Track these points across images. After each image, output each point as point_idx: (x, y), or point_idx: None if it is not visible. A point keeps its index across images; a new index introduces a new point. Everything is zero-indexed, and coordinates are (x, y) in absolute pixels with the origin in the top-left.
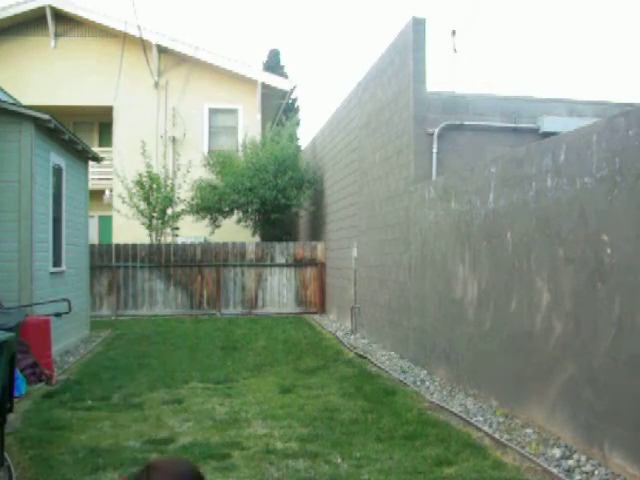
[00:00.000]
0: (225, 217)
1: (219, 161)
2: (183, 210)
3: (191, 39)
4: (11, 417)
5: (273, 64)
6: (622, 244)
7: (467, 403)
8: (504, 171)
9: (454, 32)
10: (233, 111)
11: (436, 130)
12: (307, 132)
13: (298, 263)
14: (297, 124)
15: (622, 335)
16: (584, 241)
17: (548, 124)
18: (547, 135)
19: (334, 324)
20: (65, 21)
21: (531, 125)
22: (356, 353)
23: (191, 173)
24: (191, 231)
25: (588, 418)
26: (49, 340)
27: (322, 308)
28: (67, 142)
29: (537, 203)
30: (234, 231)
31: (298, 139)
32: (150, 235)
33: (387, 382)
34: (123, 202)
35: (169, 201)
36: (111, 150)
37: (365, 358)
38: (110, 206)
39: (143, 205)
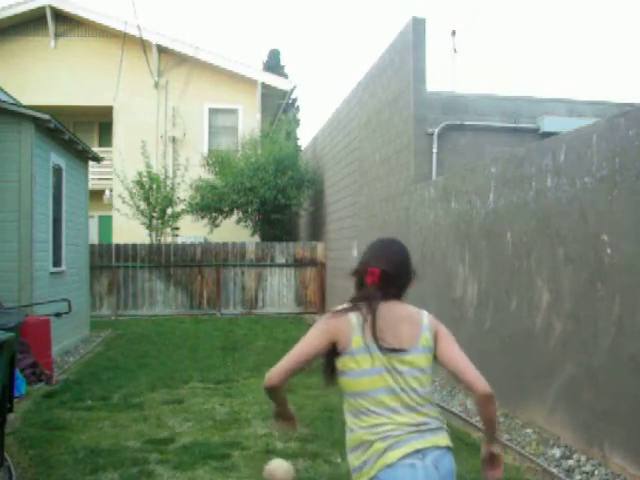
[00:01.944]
0: (225, 217)
1: (218, 161)
2: (183, 210)
3: (191, 39)
4: (11, 417)
5: (273, 64)
6: (622, 244)
7: (467, 403)
8: (504, 171)
9: (454, 32)
10: (233, 111)
11: (436, 130)
12: (307, 132)
13: (298, 263)
14: (296, 122)
15: (622, 335)
16: (584, 241)
17: (548, 124)
18: (547, 135)
19: None
20: (65, 21)
21: (531, 125)
22: None
23: (191, 173)
24: (191, 231)
25: (588, 418)
26: (49, 340)
27: (322, 308)
28: (67, 142)
29: (537, 203)
30: (234, 231)
31: (298, 139)
32: (150, 235)
33: None
34: (123, 202)
35: (169, 201)
36: (111, 150)
37: None
38: (110, 206)
39: (143, 205)
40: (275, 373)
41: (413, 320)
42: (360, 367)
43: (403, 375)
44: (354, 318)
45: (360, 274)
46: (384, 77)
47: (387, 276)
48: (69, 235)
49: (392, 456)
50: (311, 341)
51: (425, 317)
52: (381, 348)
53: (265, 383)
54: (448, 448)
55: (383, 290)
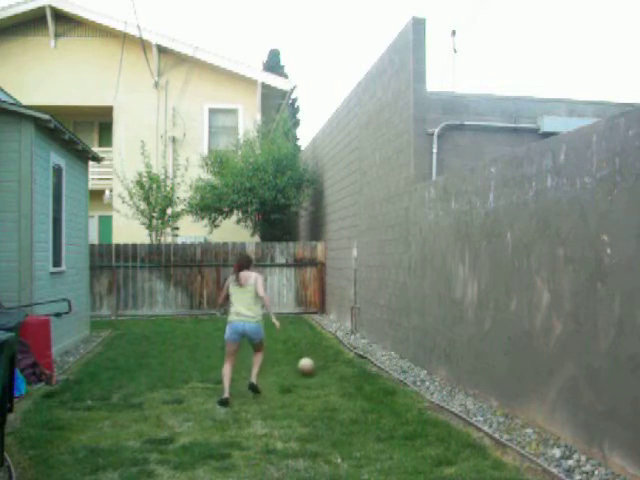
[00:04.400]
0: (225, 217)
1: (217, 161)
2: (183, 210)
3: (191, 39)
4: (11, 417)
5: (273, 64)
6: (622, 244)
7: (467, 403)
8: (504, 171)
9: (454, 32)
10: (233, 111)
11: (436, 130)
12: (307, 132)
13: (298, 263)
14: (292, 122)
15: (622, 335)
16: (584, 241)
17: (548, 124)
18: (547, 135)
19: (334, 324)
20: (65, 21)
21: (531, 125)
22: (356, 353)
23: (191, 173)
24: (191, 231)
25: (588, 418)
26: (49, 340)
27: (322, 308)
28: (67, 142)
29: (537, 203)
30: (234, 231)
31: (298, 139)
32: (150, 235)
33: (387, 382)
34: (123, 202)
35: (169, 201)
36: (111, 150)
37: (365, 358)
38: (110, 206)
39: (143, 205)
40: (221, 299)
41: (250, 277)
42: (232, 291)
43: (242, 295)
44: (233, 276)
45: (238, 262)
46: (384, 77)
47: (240, 265)
48: (69, 235)
49: (234, 319)
50: (226, 287)
51: (254, 276)
52: (237, 285)
53: (219, 302)
54: (257, 322)
55: (240, 269)
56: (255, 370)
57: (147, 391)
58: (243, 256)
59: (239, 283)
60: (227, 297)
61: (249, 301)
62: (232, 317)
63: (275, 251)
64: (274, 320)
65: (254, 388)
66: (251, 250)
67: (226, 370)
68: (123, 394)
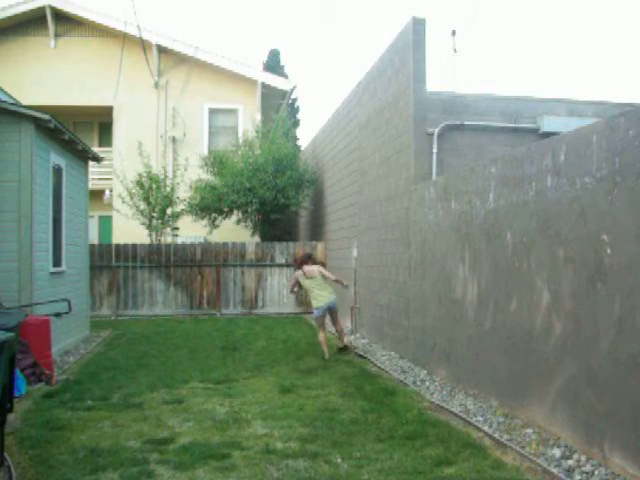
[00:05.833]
0: (224, 217)
1: (217, 161)
2: (183, 210)
3: (191, 39)
4: (11, 417)
5: (273, 64)
6: (622, 244)
7: (467, 403)
8: (504, 171)
9: (454, 32)
10: (233, 111)
11: (436, 130)
12: (307, 132)
13: None
14: (291, 121)
15: (622, 335)
16: (584, 241)
17: (548, 124)
18: (547, 135)
19: None
20: (65, 21)
21: (531, 125)
22: (356, 353)
23: (191, 173)
24: (191, 231)
25: (588, 418)
26: (49, 340)
27: None
28: (67, 142)
29: (537, 203)
30: (234, 231)
31: (298, 139)
32: (150, 235)
33: (387, 382)
34: (123, 202)
35: (169, 201)
36: (111, 150)
37: (365, 358)
38: (110, 206)
39: (143, 205)
40: (290, 288)
41: (314, 270)
42: (303, 282)
43: (314, 283)
44: (300, 271)
45: (300, 259)
46: (384, 77)
47: (306, 258)
48: (69, 235)
49: (320, 301)
50: (293, 279)
51: (316, 268)
52: (305, 277)
53: (289, 290)
54: (334, 297)
55: (302, 264)
56: (343, 337)
57: (147, 391)
58: (304, 254)
59: (306, 276)
60: (297, 286)
61: (322, 285)
62: (318, 302)
63: (275, 251)
64: (345, 283)
65: (345, 349)
66: (251, 250)
67: (322, 337)
68: (123, 394)
